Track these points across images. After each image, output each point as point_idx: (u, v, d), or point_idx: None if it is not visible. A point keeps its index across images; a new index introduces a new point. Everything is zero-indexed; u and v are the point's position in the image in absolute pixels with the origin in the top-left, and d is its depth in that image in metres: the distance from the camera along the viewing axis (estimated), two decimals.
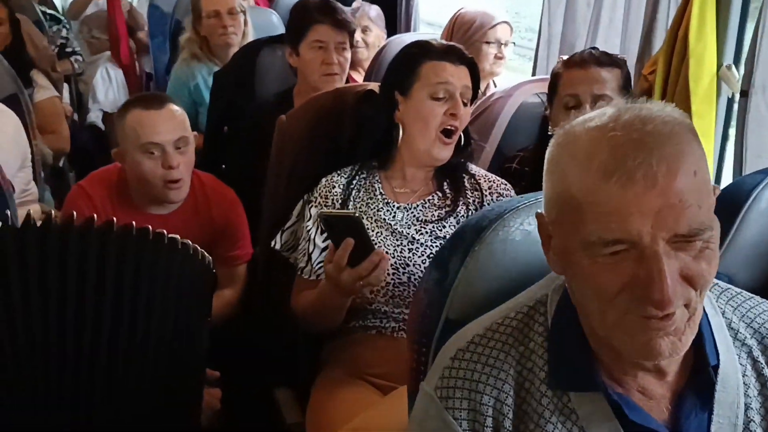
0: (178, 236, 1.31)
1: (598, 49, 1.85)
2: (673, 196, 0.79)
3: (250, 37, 3.02)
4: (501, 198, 1.67)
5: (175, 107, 1.86)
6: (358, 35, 3.09)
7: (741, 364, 0.93)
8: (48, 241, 1.20)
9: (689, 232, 0.80)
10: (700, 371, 0.91)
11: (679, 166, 0.80)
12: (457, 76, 1.63)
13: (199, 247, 1.36)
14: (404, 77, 1.64)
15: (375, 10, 3.17)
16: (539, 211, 0.93)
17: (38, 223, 1.21)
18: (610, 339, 0.86)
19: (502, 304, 1.01)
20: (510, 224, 1.08)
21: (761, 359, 0.93)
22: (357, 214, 1.53)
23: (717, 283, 0.98)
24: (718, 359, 0.91)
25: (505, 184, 1.72)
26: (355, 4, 3.80)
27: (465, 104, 1.64)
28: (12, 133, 2.21)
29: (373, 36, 3.07)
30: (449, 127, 1.62)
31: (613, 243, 0.81)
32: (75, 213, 1.26)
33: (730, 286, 0.99)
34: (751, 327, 0.95)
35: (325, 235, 1.65)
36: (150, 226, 1.27)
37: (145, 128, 1.79)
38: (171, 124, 1.82)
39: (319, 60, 2.24)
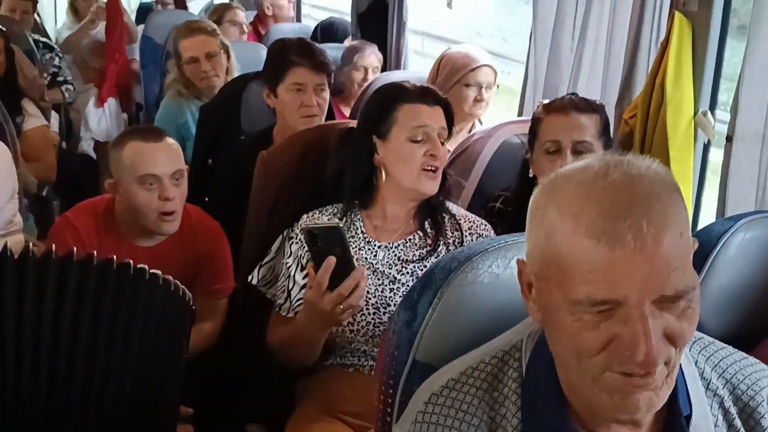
0: (159, 272, 1.31)
1: (577, 95, 1.87)
2: (660, 259, 0.79)
3: (235, 73, 3.04)
4: (480, 239, 1.68)
5: (172, 140, 1.89)
6: (359, 75, 3.14)
7: (713, 414, 0.93)
8: (26, 273, 1.19)
9: (675, 294, 0.81)
10: (673, 422, 0.91)
11: (666, 229, 0.80)
12: (434, 117, 1.65)
13: (180, 284, 1.35)
14: (381, 121, 1.66)
15: (370, 50, 3.22)
16: (521, 258, 0.93)
17: (15, 256, 1.20)
18: (588, 394, 0.86)
19: (476, 348, 1.00)
20: (479, 267, 1.08)
21: (732, 410, 0.94)
22: (341, 224, 1.54)
23: None
24: (691, 410, 0.92)
25: (485, 225, 1.73)
26: (347, 42, 3.87)
27: (442, 143, 1.67)
28: (5, 166, 2.22)
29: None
30: (430, 168, 1.64)
31: (601, 303, 0.81)
32: (55, 245, 1.25)
33: (703, 335, 1.00)
34: (723, 377, 0.96)
35: (304, 273, 1.65)
36: (131, 261, 1.27)
37: (143, 160, 1.81)
38: (168, 157, 1.84)
39: (298, 102, 2.24)
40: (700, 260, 1.26)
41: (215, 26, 3.23)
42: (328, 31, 4.05)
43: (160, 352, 1.32)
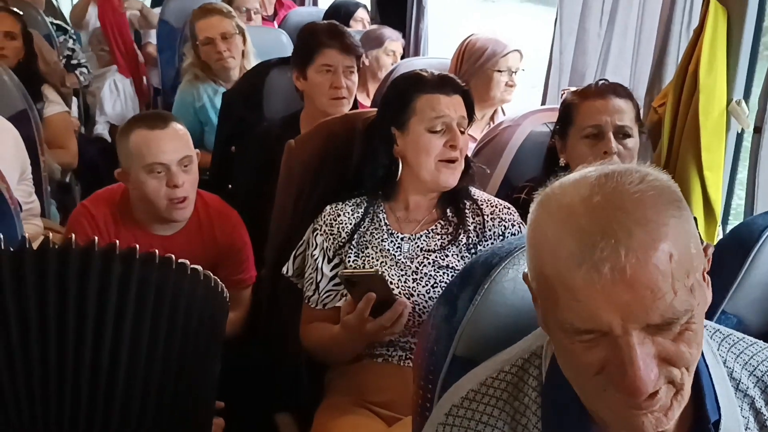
0: (187, 261, 1.30)
1: (608, 80, 1.87)
2: (642, 288, 0.76)
3: (251, 56, 3.05)
4: (503, 223, 1.67)
5: (179, 126, 1.86)
6: (389, 60, 3.13)
7: (743, 416, 0.90)
8: (46, 264, 1.16)
9: (662, 321, 0.77)
10: (700, 428, 0.89)
11: (650, 254, 0.76)
12: (453, 107, 1.63)
13: (216, 278, 1.34)
14: (399, 113, 1.65)
15: (396, 35, 3.21)
16: (521, 263, 0.92)
17: (35, 246, 1.19)
18: (595, 409, 0.85)
19: (497, 354, 0.99)
20: (520, 262, 1.07)
21: (765, 410, 0.91)
22: (379, 272, 1.55)
23: (718, 330, 0.97)
24: (719, 414, 0.88)
25: (509, 208, 1.71)
26: (353, 22, 3.83)
27: (462, 132, 1.65)
28: (12, 145, 2.21)
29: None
30: (450, 158, 1.63)
31: (585, 332, 0.79)
32: (74, 234, 1.24)
33: (732, 332, 0.97)
34: (754, 375, 0.92)
35: (332, 264, 1.66)
36: (156, 250, 1.26)
37: (150, 148, 1.79)
38: (175, 144, 1.82)
39: (328, 84, 2.25)
40: (741, 254, 1.25)
41: (230, 8, 3.23)
42: (334, 13, 4.02)
43: (201, 347, 1.32)
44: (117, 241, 1.20)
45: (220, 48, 2.97)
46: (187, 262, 1.26)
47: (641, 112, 1.90)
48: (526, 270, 0.89)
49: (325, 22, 2.40)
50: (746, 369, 0.93)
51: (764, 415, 0.91)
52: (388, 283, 1.59)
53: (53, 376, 1.17)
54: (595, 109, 1.76)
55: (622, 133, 1.74)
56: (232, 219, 1.97)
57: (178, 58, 3.66)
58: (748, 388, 0.92)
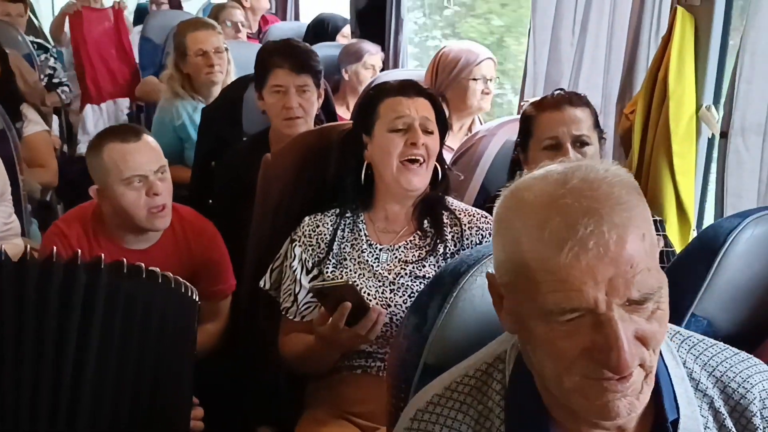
0: (170, 273, 1.31)
1: (564, 90, 1.89)
2: (624, 263, 0.80)
3: (233, 75, 3.05)
4: (480, 232, 1.69)
5: (150, 138, 1.87)
6: (368, 74, 3.15)
7: (702, 416, 0.92)
8: (26, 277, 1.19)
9: (641, 296, 0.81)
10: (660, 427, 0.91)
11: (628, 232, 0.80)
12: (413, 107, 1.67)
13: (184, 281, 1.36)
14: (366, 119, 1.70)
15: (375, 49, 3.23)
16: (489, 271, 0.93)
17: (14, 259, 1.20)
18: (568, 401, 0.87)
19: (462, 361, 1.00)
20: (488, 269, 1.08)
21: (723, 409, 0.93)
22: (349, 282, 1.57)
23: (678, 332, 0.99)
24: (679, 413, 0.91)
25: (486, 217, 1.73)
26: (340, 38, 3.86)
27: (430, 133, 1.67)
28: None
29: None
30: (412, 157, 1.65)
31: (570, 311, 0.81)
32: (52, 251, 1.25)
33: (692, 334, 0.99)
34: (713, 376, 0.95)
35: (310, 276, 1.67)
36: (124, 259, 1.27)
37: (127, 162, 1.79)
38: (150, 155, 1.83)
39: (280, 105, 2.22)
40: (709, 257, 1.26)
41: (217, 24, 3.25)
42: (319, 27, 4.04)
43: (173, 353, 1.33)
44: (79, 251, 1.22)
45: (213, 61, 2.99)
46: (157, 269, 1.27)
47: (613, 118, 1.92)
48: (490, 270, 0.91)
49: (281, 40, 2.37)
50: (705, 370, 0.95)
51: (723, 415, 0.93)
52: (365, 294, 1.60)
53: (10, 392, 1.17)
54: (552, 121, 1.78)
55: (579, 142, 1.76)
56: (208, 230, 1.97)
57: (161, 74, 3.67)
58: (707, 388, 0.94)
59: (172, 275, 1.35)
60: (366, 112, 1.72)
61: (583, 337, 0.82)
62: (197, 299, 1.40)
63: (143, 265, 1.29)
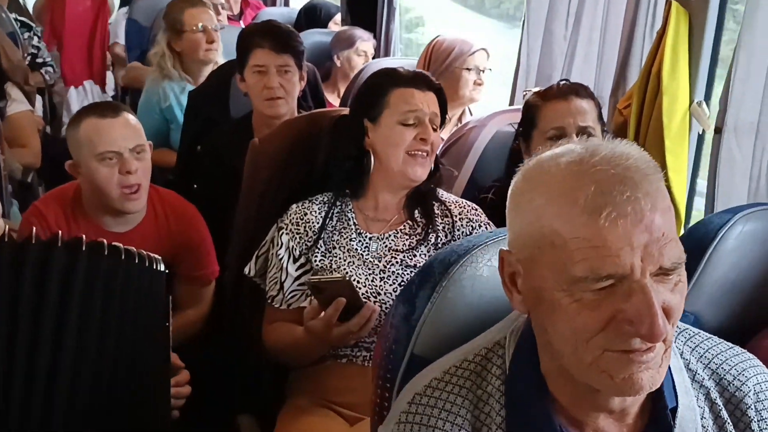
0: (120, 244, 1.32)
1: (569, 80, 1.88)
2: (657, 230, 0.81)
3: (220, 57, 3.01)
4: (471, 223, 1.69)
5: (131, 116, 1.83)
6: (360, 60, 3.12)
7: (699, 406, 0.94)
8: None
9: (671, 265, 0.82)
10: (658, 414, 0.91)
11: (658, 201, 0.82)
12: (426, 102, 1.65)
13: (146, 252, 1.37)
14: (373, 105, 1.66)
15: (368, 36, 3.20)
16: (503, 248, 0.92)
17: None
18: (587, 378, 0.86)
19: (461, 346, 1.00)
20: (478, 260, 1.07)
21: (719, 401, 0.95)
22: (346, 278, 1.55)
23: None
24: (677, 402, 0.92)
25: (475, 209, 1.73)
26: (332, 25, 3.82)
27: (435, 129, 1.66)
28: None
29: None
30: (419, 152, 1.64)
31: (605, 278, 0.81)
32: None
33: (687, 326, 1.00)
34: (709, 368, 0.96)
35: (297, 264, 1.65)
36: (83, 236, 1.28)
37: (101, 137, 1.76)
38: (127, 132, 1.79)
39: (261, 85, 2.20)
40: (698, 253, 1.26)
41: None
42: (311, 13, 4.00)
43: (142, 324, 1.36)
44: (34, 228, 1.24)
45: (213, 37, 2.95)
46: (120, 245, 1.28)
47: (606, 113, 1.92)
48: (504, 248, 0.91)
49: (262, 21, 2.36)
50: (701, 362, 0.96)
51: (719, 406, 0.94)
52: (355, 282, 1.58)
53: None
54: (558, 111, 1.77)
55: (585, 134, 1.75)
56: (189, 213, 1.94)
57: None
58: (703, 379, 0.95)
59: (135, 249, 1.36)
60: (372, 99, 1.67)
61: (609, 309, 0.82)
62: (163, 269, 1.41)
63: (105, 241, 1.31)
